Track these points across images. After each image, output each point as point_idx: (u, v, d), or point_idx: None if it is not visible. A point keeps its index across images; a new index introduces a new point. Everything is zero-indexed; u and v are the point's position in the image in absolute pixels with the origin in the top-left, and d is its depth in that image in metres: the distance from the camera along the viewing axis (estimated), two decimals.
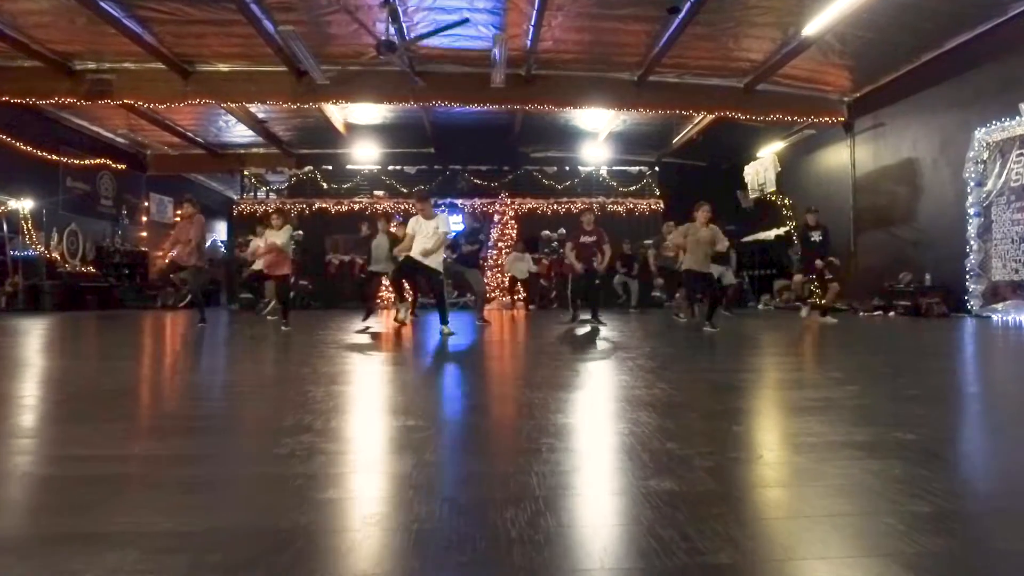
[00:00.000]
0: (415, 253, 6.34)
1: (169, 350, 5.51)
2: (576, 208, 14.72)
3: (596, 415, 2.50)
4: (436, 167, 16.11)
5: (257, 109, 13.84)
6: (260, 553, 1.14)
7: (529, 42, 10.25)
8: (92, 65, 11.19)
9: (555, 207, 15.33)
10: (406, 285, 7.41)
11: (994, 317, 9.00)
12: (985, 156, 9.38)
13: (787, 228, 14.27)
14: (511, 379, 3.71)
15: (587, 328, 7.24)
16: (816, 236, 8.46)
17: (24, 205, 12.47)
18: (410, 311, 8.35)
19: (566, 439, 2.01)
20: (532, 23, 9.64)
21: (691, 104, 12.56)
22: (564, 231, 13.23)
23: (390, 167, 16.16)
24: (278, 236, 7.12)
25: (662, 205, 15.32)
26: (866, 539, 1.21)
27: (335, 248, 14.91)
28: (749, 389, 3.21)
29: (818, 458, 1.78)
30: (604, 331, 6.80)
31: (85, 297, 13.22)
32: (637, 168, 16.32)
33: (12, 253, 12.31)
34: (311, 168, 15.90)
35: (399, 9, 9.13)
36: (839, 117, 12.75)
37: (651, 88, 11.93)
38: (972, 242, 9.50)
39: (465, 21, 9.00)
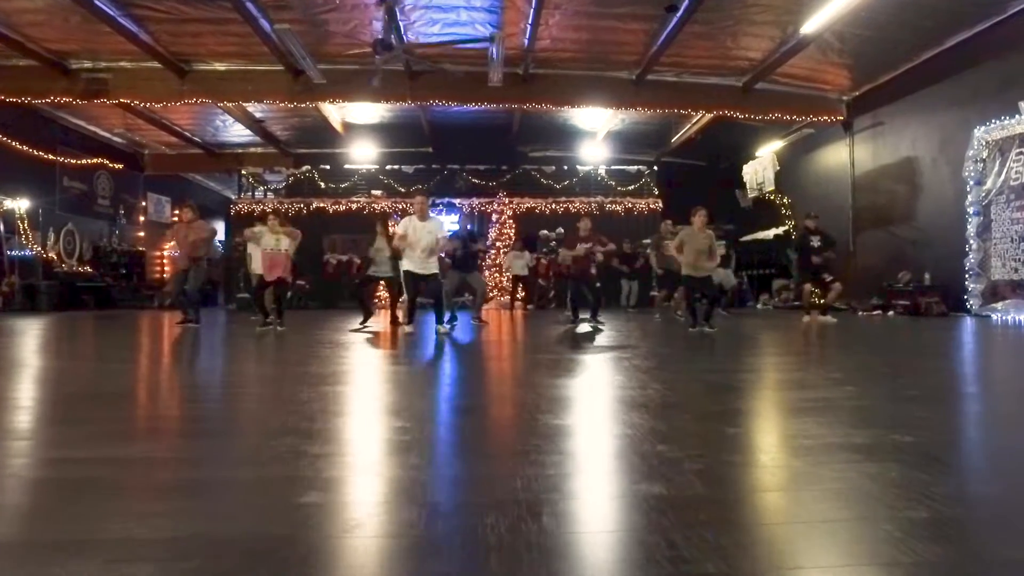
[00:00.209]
0: (415, 268, 6.37)
1: (166, 351, 5.48)
2: (575, 208, 14.70)
3: (588, 417, 2.46)
4: (434, 166, 16.06)
5: (254, 108, 13.78)
6: (241, 563, 1.10)
7: (527, 41, 10.20)
8: (88, 64, 11.12)
9: (553, 206, 15.28)
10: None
11: (993, 316, 8.97)
12: (984, 155, 9.33)
13: (786, 227, 14.25)
14: (504, 380, 3.67)
15: (585, 328, 7.20)
16: (816, 241, 8.42)
17: (21, 205, 12.43)
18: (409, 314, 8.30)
19: (556, 441, 1.97)
20: (530, 22, 9.58)
21: (689, 103, 12.51)
22: (562, 230, 13.18)
23: (388, 166, 16.11)
24: (287, 244, 7.25)
25: (661, 204, 15.26)
26: (862, 546, 1.17)
27: (332, 248, 14.87)
28: (746, 390, 3.17)
29: (814, 461, 1.74)
30: (602, 331, 6.77)
31: (82, 297, 13.17)
32: (636, 167, 16.27)
33: (9, 253, 12.28)
34: (309, 168, 15.85)
35: (395, 8, 9.08)
36: (838, 116, 12.71)
37: (649, 87, 11.88)
38: (971, 241, 9.46)
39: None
